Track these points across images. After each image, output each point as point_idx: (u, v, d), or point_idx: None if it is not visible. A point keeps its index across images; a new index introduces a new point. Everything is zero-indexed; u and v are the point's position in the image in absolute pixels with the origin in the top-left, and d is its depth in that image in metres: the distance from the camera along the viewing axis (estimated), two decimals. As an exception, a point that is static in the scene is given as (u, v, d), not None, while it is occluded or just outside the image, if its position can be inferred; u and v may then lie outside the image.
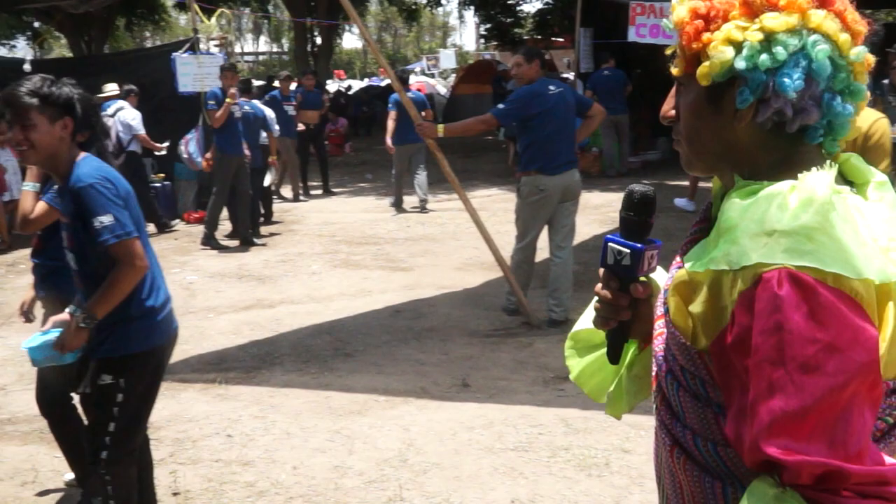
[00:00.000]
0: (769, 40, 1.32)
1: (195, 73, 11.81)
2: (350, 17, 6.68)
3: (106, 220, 3.18)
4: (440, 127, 6.67)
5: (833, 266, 1.19)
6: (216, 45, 13.23)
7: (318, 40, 28.55)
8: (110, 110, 11.20)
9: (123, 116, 11.21)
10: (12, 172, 11.12)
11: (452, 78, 35.89)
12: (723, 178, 1.46)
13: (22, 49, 36.19)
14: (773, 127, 1.36)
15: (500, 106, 6.81)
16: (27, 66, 10.48)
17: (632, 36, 12.51)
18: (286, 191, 14.28)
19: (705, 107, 1.40)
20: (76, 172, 3.26)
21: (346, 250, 10.26)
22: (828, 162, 1.31)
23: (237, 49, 48.17)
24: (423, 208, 12.72)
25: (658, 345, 1.45)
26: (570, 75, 17.74)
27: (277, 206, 12.98)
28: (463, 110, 20.96)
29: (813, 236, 1.20)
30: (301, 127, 13.97)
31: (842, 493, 1.17)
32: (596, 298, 1.59)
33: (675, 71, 1.44)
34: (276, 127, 11.65)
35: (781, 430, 1.18)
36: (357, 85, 34.26)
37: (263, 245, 10.65)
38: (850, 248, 1.21)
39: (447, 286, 8.41)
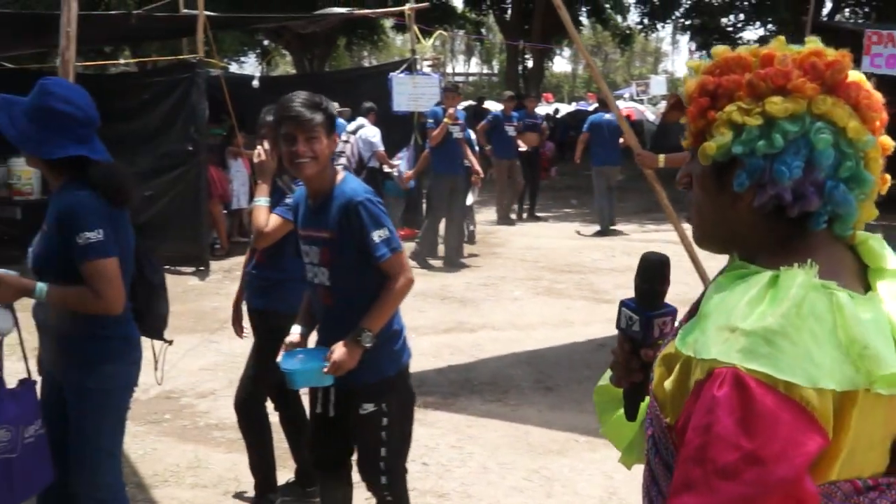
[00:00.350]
0: (769, 125, 1.29)
1: (410, 93, 12.00)
2: (571, 38, 6.52)
3: (383, 234, 3.22)
4: (661, 157, 6.38)
5: (786, 373, 1.16)
6: (429, 66, 13.42)
7: (530, 63, 28.63)
8: (351, 127, 11.53)
9: (365, 133, 11.47)
10: (240, 183, 11.67)
11: (663, 104, 35.04)
12: (731, 255, 1.43)
13: (251, 65, 38.49)
14: (774, 210, 1.33)
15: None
16: (255, 83, 10.95)
17: (866, 66, 11.64)
18: (487, 213, 14.30)
19: (711, 182, 1.39)
20: (343, 188, 3.29)
21: (548, 277, 10.07)
22: (809, 261, 1.25)
23: (448, 69, 49.04)
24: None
25: (649, 409, 1.44)
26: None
27: (481, 227, 12.98)
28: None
29: (773, 340, 1.17)
30: (523, 148, 13.92)
31: None
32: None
33: (684, 143, 1.42)
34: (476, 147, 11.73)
35: None
36: (564, 109, 34.12)
37: (465, 266, 10.64)
38: (811, 355, 1.17)
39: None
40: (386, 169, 11.32)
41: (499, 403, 5.88)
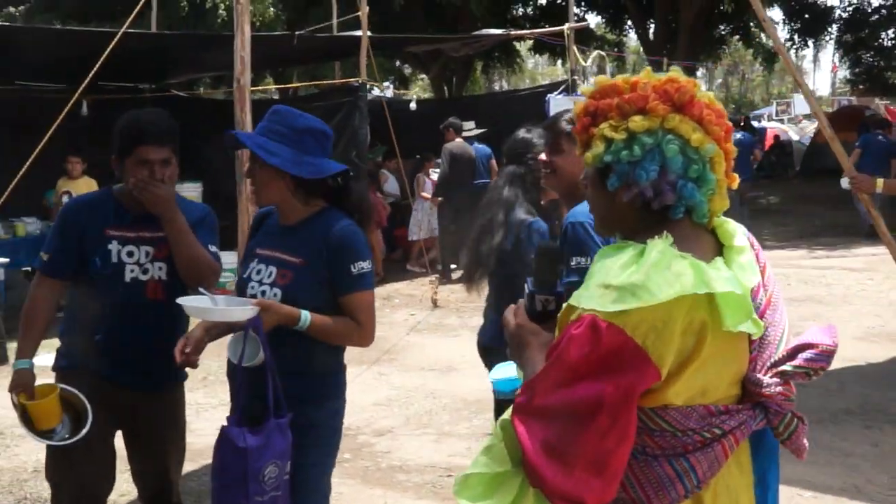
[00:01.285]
0: (631, 138, 1.67)
1: (568, 116, 11.63)
2: (775, 47, 6.01)
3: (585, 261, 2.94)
4: (879, 182, 5.79)
5: (634, 315, 1.51)
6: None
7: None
8: None
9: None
10: (425, 214, 11.54)
11: (805, 123, 33.55)
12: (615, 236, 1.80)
13: (388, 91, 38.79)
14: (641, 204, 1.70)
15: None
16: (413, 105, 10.80)
17: None
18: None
19: (595, 183, 1.77)
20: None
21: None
22: (664, 233, 1.61)
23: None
24: None
25: None
26: None
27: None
28: (823, 159, 19.38)
29: (636, 291, 1.52)
30: None
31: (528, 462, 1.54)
32: None
33: (577, 151, 1.81)
34: None
35: (519, 410, 1.60)
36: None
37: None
38: (661, 284, 1.52)
39: (851, 359, 7.36)
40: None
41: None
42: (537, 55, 35.83)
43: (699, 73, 40.93)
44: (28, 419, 3.19)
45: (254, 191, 3.03)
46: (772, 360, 1.71)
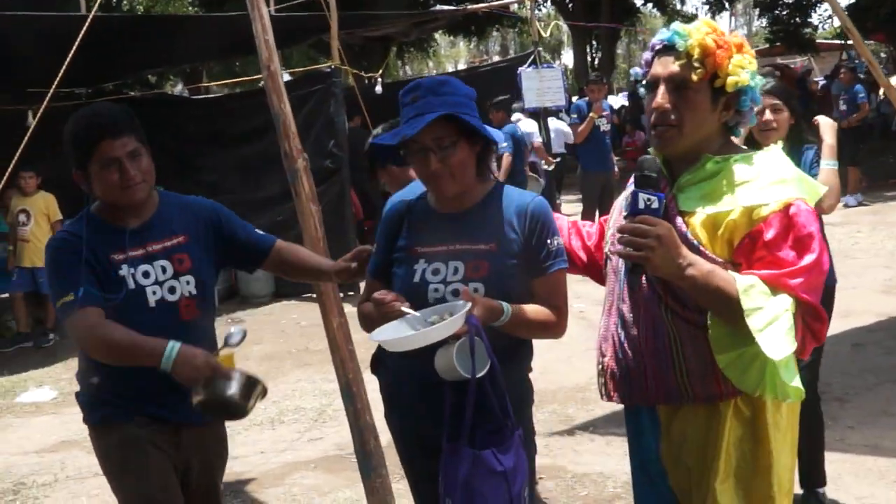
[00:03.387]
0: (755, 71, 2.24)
1: (537, 88, 11.29)
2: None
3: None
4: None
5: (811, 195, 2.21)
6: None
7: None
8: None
9: (524, 127, 10.58)
10: None
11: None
12: (684, 157, 2.25)
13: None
14: (725, 125, 2.27)
15: None
16: (378, 88, 10.22)
17: None
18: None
19: (709, 106, 2.20)
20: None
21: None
22: (772, 145, 2.57)
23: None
24: None
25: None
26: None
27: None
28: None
29: (801, 180, 2.20)
30: None
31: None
32: None
33: (695, 76, 2.16)
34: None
35: (792, 276, 2.08)
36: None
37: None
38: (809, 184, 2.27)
39: (884, 313, 7.14)
40: (545, 165, 10.50)
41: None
42: (450, 35, 35.50)
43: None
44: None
45: (438, 176, 2.46)
46: None
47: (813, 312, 2.08)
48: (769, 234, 2.07)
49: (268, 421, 5.89)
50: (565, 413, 5.48)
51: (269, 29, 4.18)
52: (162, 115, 10.29)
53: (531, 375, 2.72)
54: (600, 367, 2.44)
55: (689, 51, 2.16)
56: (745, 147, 2.36)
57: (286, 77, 13.81)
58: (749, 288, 2.03)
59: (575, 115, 9.79)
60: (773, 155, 2.22)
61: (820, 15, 27.76)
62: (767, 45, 28.18)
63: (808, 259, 2.06)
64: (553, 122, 11.54)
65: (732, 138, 2.32)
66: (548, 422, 5.28)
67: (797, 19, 27.00)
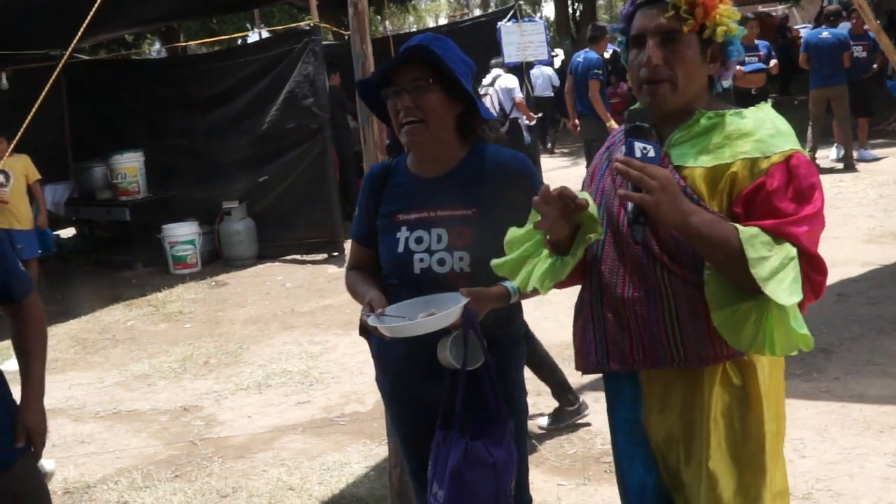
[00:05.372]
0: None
1: (518, 43, 11.15)
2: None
3: None
4: None
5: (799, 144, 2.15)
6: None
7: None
8: (488, 79, 10.57)
9: (504, 83, 10.46)
10: None
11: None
12: (674, 114, 2.16)
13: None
14: (709, 78, 2.22)
15: None
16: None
17: None
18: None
19: (699, 59, 2.14)
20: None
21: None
22: (764, 101, 2.37)
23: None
24: (844, 166, 11.37)
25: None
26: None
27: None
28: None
29: (792, 133, 2.14)
30: None
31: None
32: None
33: (685, 28, 2.09)
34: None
35: (795, 224, 2.03)
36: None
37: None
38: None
39: (868, 262, 7.16)
40: (526, 121, 10.41)
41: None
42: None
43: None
44: None
45: (411, 129, 2.39)
46: None
47: (815, 263, 2.04)
48: (772, 185, 2.03)
49: (254, 385, 5.87)
50: (553, 370, 5.47)
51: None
52: (132, 78, 10.15)
53: None
54: (579, 335, 2.29)
55: (676, 2, 2.07)
56: (730, 104, 2.28)
57: (265, 34, 13.59)
58: (752, 237, 1.97)
59: (598, 71, 9.66)
60: (766, 109, 2.16)
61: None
62: (749, -6, 27.97)
63: (811, 209, 2.02)
64: (538, 69, 11.69)
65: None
66: (536, 380, 5.26)
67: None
